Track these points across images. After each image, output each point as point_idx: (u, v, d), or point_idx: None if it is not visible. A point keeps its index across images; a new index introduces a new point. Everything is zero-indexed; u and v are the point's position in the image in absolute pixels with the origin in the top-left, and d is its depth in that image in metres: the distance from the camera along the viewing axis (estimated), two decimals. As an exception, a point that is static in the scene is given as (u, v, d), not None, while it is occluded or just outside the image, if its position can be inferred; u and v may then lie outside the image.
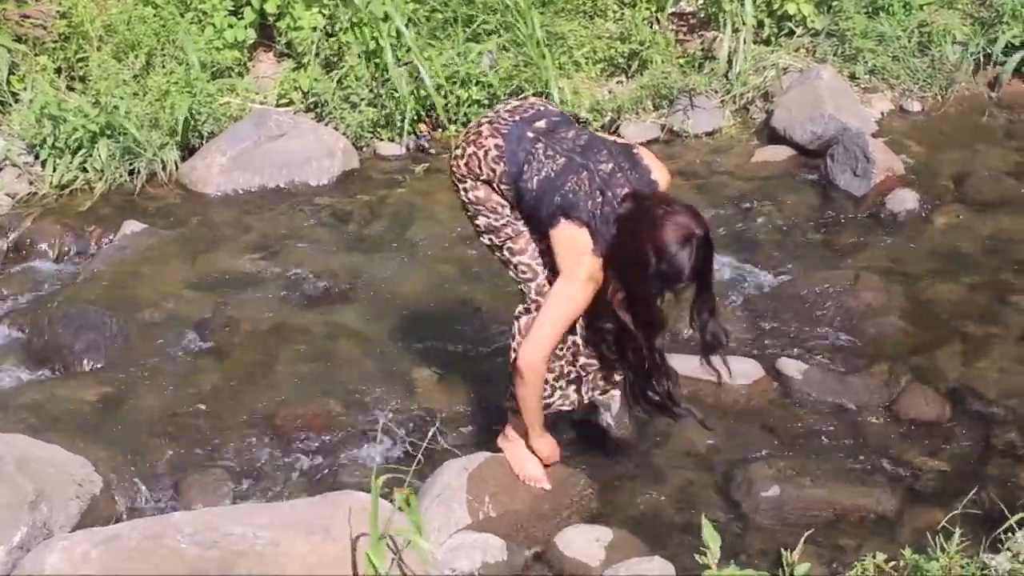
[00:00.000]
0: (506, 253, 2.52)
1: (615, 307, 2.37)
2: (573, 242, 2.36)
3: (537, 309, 2.50)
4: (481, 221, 2.51)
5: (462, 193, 2.52)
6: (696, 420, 2.60)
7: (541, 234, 2.46)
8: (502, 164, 2.44)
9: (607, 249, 2.34)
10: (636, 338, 2.41)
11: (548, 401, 2.61)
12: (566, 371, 2.61)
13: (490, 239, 2.53)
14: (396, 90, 4.36)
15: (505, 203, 2.48)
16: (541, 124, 2.47)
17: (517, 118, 2.48)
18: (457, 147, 2.52)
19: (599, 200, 2.35)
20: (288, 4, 4.56)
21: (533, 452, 2.63)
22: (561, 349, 2.57)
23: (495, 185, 2.47)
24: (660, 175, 2.45)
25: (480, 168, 2.47)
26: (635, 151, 2.47)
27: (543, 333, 2.42)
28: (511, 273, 2.56)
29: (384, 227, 3.96)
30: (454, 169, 2.52)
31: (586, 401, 2.68)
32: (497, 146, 2.44)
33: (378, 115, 4.41)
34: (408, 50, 4.43)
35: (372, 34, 4.43)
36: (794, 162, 4.30)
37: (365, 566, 2.16)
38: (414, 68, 4.41)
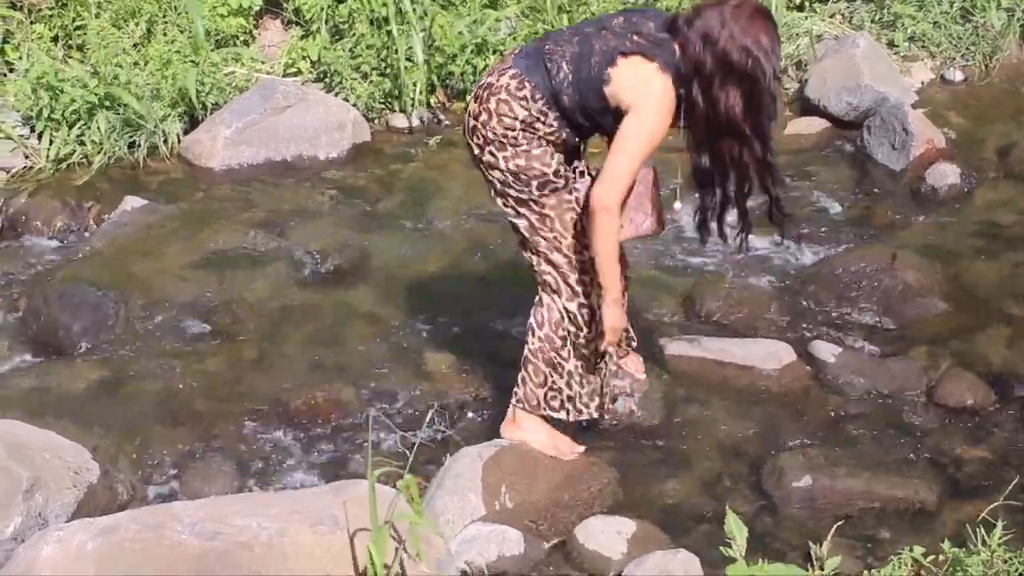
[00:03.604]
0: (545, 228, 2.42)
1: (735, 121, 2.27)
2: (631, 74, 2.26)
3: (584, 288, 2.43)
4: (519, 191, 2.40)
5: (503, 163, 2.38)
6: (787, 230, 2.55)
7: (592, 125, 2.36)
8: (528, 85, 2.35)
9: (707, 68, 2.23)
10: (750, 144, 2.31)
11: (577, 407, 2.58)
12: (599, 386, 2.57)
13: (527, 217, 2.41)
14: (410, 59, 4.22)
15: (549, 162, 2.36)
16: (539, 42, 2.43)
17: (513, 55, 2.43)
18: (479, 114, 2.39)
19: (636, 38, 2.29)
20: (296, -32, 4.43)
21: (601, 321, 2.46)
22: (600, 363, 2.54)
23: (531, 115, 2.33)
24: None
25: (512, 109, 2.35)
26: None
27: (620, 172, 2.29)
28: (545, 247, 2.43)
29: (396, 203, 3.86)
30: (489, 137, 2.37)
31: (602, 412, 2.64)
32: (513, 75, 2.37)
33: (390, 86, 4.28)
34: (421, 17, 4.28)
35: (383, 0, 4.28)
36: (829, 134, 4.18)
37: (368, 559, 2.09)
38: (428, 36, 4.25)
